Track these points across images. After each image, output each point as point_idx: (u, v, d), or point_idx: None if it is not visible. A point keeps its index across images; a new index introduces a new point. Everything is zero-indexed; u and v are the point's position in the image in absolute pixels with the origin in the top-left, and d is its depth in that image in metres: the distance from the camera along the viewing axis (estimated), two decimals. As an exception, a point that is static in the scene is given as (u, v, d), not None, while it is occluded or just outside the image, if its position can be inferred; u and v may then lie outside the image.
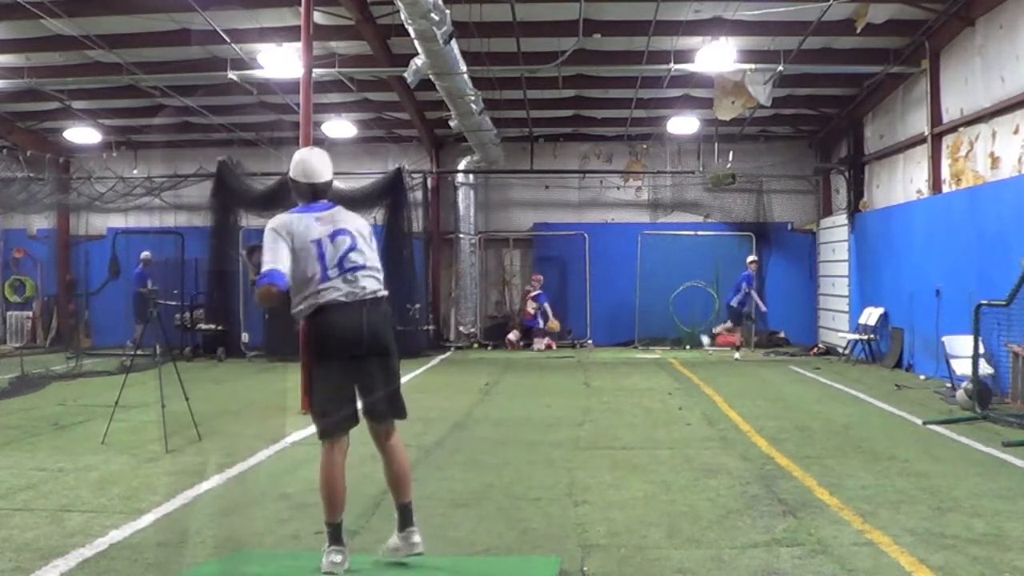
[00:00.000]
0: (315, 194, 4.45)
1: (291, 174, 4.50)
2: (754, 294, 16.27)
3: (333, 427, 4.27)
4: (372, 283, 4.33)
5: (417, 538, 4.31)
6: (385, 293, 4.40)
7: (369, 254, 4.39)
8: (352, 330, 4.19)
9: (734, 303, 16.18)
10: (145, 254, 16.42)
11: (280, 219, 4.33)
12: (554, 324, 18.12)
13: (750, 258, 16.70)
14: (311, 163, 4.50)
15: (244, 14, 12.30)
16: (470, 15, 11.57)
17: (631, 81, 15.01)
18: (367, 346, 4.25)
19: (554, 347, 17.81)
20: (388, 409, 4.35)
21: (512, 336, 18.08)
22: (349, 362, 4.26)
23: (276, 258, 4.18)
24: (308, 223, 4.29)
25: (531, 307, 18.06)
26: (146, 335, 9.44)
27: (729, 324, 16.65)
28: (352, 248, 4.31)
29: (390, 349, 4.35)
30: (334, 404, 4.27)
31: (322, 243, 4.27)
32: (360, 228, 4.43)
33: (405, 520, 4.33)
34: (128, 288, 16.43)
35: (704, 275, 18.02)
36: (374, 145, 18.98)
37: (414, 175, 17.79)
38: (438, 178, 18.76)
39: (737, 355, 15.73)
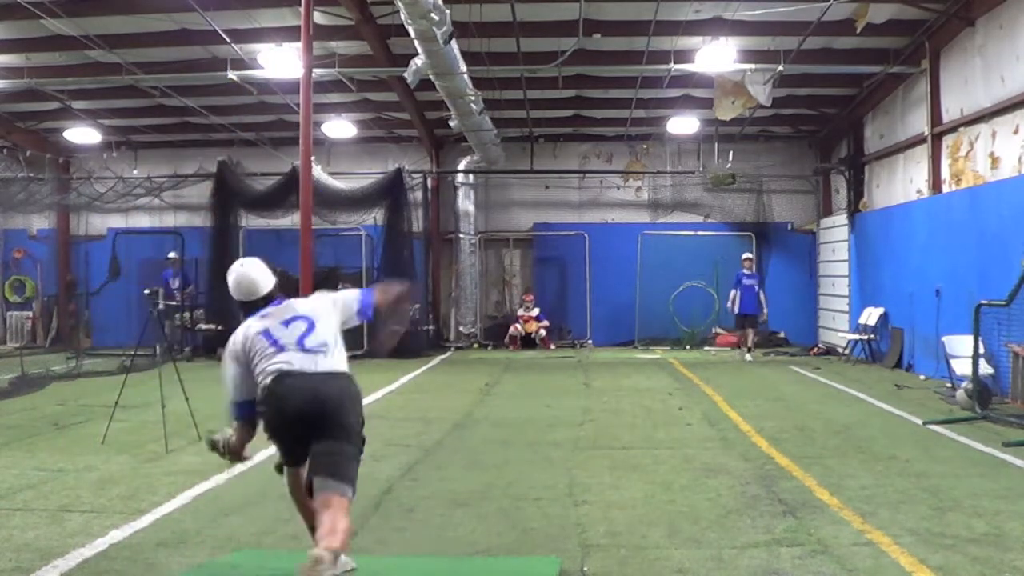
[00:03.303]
0: (257, 306, 4.25)
1: (232, 294, 4.34)
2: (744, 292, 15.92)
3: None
4: (330, 362, 4.07)
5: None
6: (345, 370, 4.13)
7: (328, 334, 4.13)
8: (301, 396, 3.91)
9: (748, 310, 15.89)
10: (172, 254, 16.47)
11: (231, 341, 4.17)
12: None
13: (745, 255, 16.54)
14: (245, 281, 4.31)
15: (244, 14, 12.31)
16: (470, 15, 11.56)
17: (631, 81, 15.00)
18: (317, 414, 3.90)
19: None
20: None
21: (514, 331, 18.08)
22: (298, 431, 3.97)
23: (236, 387, 4.10)
24: (252, 324, 4.15)
25: (538, 324, 18.14)
26: (146, 335, 9.45)
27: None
28: (310, 330, 4.10)
29: (346, 425, 3.92)
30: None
31: (271, 331, 4.09)
32: (315, 309, 4.23)
33: None
34: (128, 288, 16.41)
35: (704, 275, 18.02)
36: (374, 145, 18.97)
37: (414, 175, 17.78)
38: (438, 178, 18.75)
39: (749, 356, 15.65)
